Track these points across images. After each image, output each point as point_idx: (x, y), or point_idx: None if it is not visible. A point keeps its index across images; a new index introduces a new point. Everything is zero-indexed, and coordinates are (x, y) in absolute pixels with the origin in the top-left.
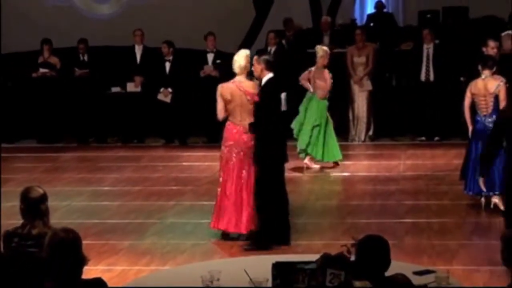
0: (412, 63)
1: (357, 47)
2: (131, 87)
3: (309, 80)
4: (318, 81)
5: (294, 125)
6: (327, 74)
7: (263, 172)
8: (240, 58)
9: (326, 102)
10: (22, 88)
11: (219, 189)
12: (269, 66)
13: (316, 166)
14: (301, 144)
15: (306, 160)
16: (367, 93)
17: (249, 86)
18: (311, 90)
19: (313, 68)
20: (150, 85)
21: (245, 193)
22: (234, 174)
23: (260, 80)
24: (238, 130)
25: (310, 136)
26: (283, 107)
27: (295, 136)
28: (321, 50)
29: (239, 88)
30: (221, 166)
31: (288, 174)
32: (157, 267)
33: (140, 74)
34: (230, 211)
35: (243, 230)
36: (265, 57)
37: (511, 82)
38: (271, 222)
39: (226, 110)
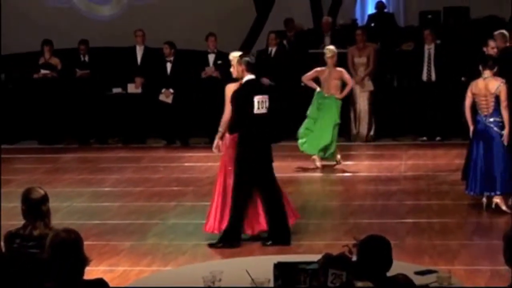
0: (413, 63)
1: (358, 48)
2: (131, 88)
3: (315, 80)
4: (335, 81)
5: (303, 127)
6: (343, 74)
7: (239, 175)
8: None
9: (341, 102)
10: (23, 89)
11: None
12: (250, 68)
13: (319, 164)
14: (322, 143)
15: (315, 157)
16: (368, 93)
17: None
18: (318, 89)
19: (319, 69)
20: (151, 86)
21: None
22: None
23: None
24: None
25: (332, 135)
26: (261, 110)
27: (299, 136)
28: (330, 50)
29: None
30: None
31: (289, 174)
32: (159, 268)
33: (141, 75)
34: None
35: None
36: (247, 58)
37: (503, 77)
38: (240, 222)
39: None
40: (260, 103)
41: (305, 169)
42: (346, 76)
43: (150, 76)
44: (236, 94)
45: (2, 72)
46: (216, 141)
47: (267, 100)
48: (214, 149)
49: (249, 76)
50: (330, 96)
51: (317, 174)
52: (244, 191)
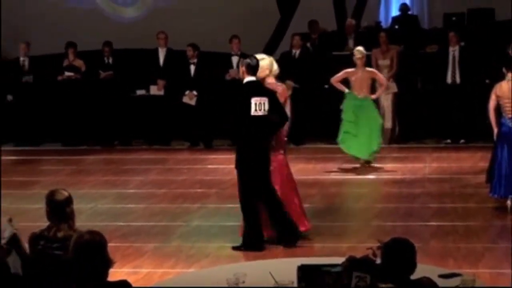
0: (437, 65)
1: (382, 50)
2: (154, 90)
3: (344, 82)
4: (367, 81)
5: (343, 131)
6: (376, 74)
7: (242, 178)
8: (270, 61)
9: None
10: (47, 91)
11: None
12: (249, 70)
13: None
14: (373, 148)
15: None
16: (392, 95)
17: (280, 88)
18: (346, 90)
19: (349, 70)
20: (174, 88)
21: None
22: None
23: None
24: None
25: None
26: (259, 112)
27: (341, 141)
28: (359, 52)
29: (276, 90)
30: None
31: (313, 176)
32: (182, 270)
33: (163, 77)
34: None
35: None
36: (248, 60)
37: None
38: (257, 224)
39: None
40: (257, 105)
41: (344, 170)
42: (379, 75)
43: (173, 78)
44: (234, 96)
45: (31, 74)
46: None
47: (266, 102)
48: None
49: (249, 78)
50: (365, 97)
51: (341, 177)
52: (251, 193)
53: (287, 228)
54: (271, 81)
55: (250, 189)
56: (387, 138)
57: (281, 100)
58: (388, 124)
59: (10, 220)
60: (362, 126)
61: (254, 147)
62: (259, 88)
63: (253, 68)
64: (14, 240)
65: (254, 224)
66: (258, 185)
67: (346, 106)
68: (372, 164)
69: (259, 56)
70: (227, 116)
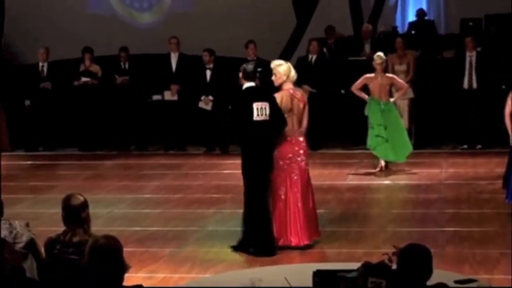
0: (454, 71)
1: (398, 55)
2: (168, 95)
3: (364, 88)
4: (387, 86)
5: (374, 135)
6: (395, 79)
7: (247, 183)
8: (287, 66)
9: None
10: (64, 96)
11: (280, 204)
12: (245, 76)
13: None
14: (408, 150)
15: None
16: (408, 101)
17: (299, 94)
18: (367, 97)
19: (369, 75)
20: (188, 93)
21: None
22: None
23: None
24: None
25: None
26: (261, 116)
27: (372, 146)
28: (380, 57)
29: (294, 96)
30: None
31: (329, 182)
32: (198, 275)
33: (176, 82)
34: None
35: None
36: (244, 66)
37: None
38: (268, 229)
39: None
40: (259, 110)
41: (360, 175)
42: (399, 81)
43: (186, 83)
44: (234, 102)
45: (49, 80)
46: None
47: (267, 106)
48: None
49: (248, 84)
50: (387, 102)
51: (357, 182)
52: (260, 198)
53: (266, 237)
54: (288, 86)
55: (258, 194)
56: None
57: (301, 105)
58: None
59: (27, 225)
60: (391, 130)
61: (259, 152)
62: (259, 93)
63: (249, 74)
64: (31, 245)
65: (265, 228)
66: (265, 189)
67: (372, 111)
68: (390, 167)
69: (277, 61)
70: (232, 123)
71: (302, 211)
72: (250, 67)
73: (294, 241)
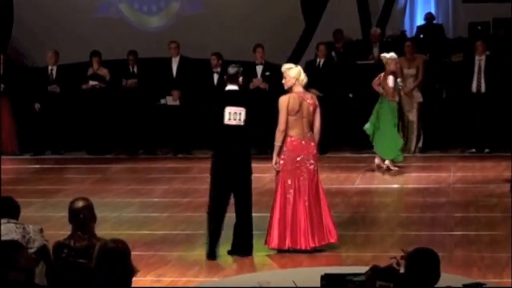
0: (463, 74)
1: (407, 59)
2: (170, 100)
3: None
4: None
5: (368, 127)
6: (389, 80)
7: (213, 185)
8: (297, 70)
9: (395, 104)
10: (72, 100)
11: (289, 207)
12: (228, 78)
13: (395, 169)
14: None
15: (387, 162)
16: (417, 104)
17: (309, 97)
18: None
19: (382, 74)
20: (194, 96)
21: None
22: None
23: None
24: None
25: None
26: (233, 121)
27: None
28: (384, 57)
29: (304, 99)
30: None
31: (337, 186)
32: (206, 279)
33: (177, 87)
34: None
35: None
36: (228, 68)
37: None
38: (215, 232)
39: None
40: (232, 114)
41: (368, 179)
42: (389, 81)
43: (189, 87)
44: (209, 104)
45: (57, 83)
46: (274, 158)
47: (243, 112)
48: (274, 166)
49: (229, 87)
50: (385, 99)
51: (365, 186)
52: (220, 201)
53: (248, 242)
54: (298, 90)
55: (219, 197)
56: (411, 146)
57: (311, 109)
58: (413, 134)
59: (41, 231)
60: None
61: (228, 156)
62: (237, 97)
63: (231, 77)
64: (43, 251)
65: (214, 231)
66: (227, 195)
67: (375, 107)
68: (394, 167)
69: (287, 65)
70: (203, 125)
71: (310, 215)
72: (231, 70)
73: (302, 244)
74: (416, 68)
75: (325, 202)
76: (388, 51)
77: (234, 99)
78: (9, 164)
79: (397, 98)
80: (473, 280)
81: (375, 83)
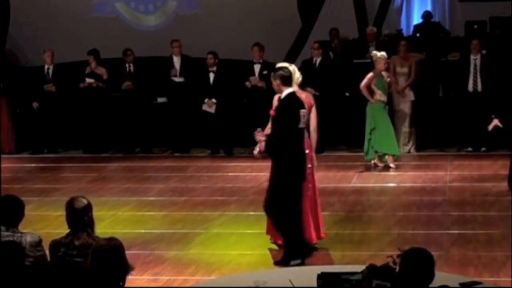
0: (459, 73)
1: (400, 58)
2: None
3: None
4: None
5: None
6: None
7: (281, 191)
8: (291, 69)
9: (381, 105)
10: (69, 99)
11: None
12: (285, 81)
13: (393, 166)
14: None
15: (389, 159)
16: (409, 103)
17: (304, 96)
18: (370, 99)
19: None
20: (193, 95)
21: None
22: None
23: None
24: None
25: (369, 140)
26: (302, 124)
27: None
28: (374, 55)
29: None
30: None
31: (333, 184)
32: (202, 277)
33: (181, 88)
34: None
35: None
36: (281, 72)
37: None
38: (294, 236)
39: None
40: (302, 117)
41: (365, 178)
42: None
43: (190, 86)
44: (281, 108)
45: (52, 82)
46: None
47: (306, 114)
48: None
49: (290, 89)
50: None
51: (362, 185)
52: (288, 207)
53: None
54: (294, 89)
55: (288, 203)
56: (405, 146)
57: (306, 107)
58: (405, 132)
59: (38, 244)
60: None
61: (303, 159)
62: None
63: (288, 79)
64: (36, 266)
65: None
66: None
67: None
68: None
69: (281, 64)
70: (276, 129)
71: (315, 209)
72: (287, 71)
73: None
74: (409, 67)
75: (318, 198)
76: (385, 50)
77: (301, 102)
78: (6, 163)
79: (384, 98)
80: (469, 279)
81: (364, 85)
